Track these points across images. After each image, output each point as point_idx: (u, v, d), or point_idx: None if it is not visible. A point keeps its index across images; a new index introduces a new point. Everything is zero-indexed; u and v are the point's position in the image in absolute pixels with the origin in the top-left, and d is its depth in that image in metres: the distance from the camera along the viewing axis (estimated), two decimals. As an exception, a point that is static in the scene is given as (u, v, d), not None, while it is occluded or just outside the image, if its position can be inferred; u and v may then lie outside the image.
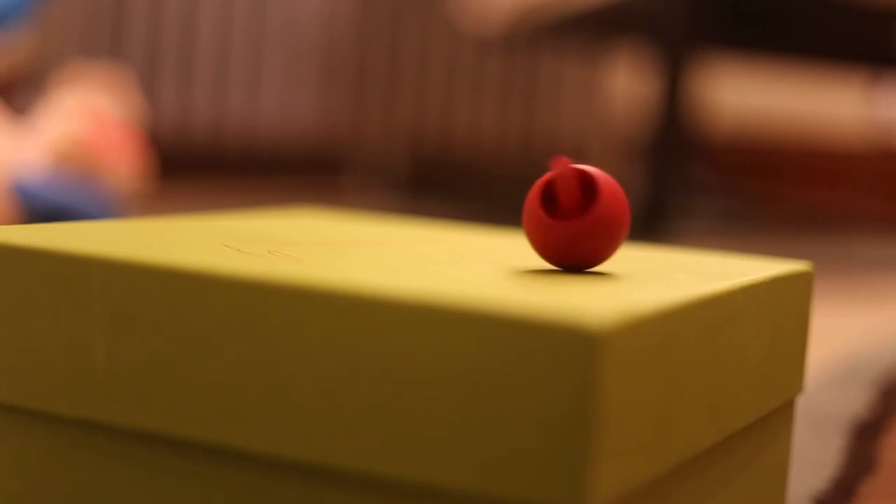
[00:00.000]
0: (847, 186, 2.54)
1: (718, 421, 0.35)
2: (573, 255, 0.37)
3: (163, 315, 0.33)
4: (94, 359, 0.34)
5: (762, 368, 0.39)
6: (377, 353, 0.30)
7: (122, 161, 1.13)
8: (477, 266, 0.37)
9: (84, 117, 1.11)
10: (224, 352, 0.32)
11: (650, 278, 0.36)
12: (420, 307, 0.29)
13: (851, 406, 0.65)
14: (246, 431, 0.32)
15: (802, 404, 0.64)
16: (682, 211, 2.02)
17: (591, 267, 0.38)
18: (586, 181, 0.37)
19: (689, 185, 2.61)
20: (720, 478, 0.37)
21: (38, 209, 1.05)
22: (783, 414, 0.43)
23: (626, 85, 2.58)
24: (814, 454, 0.54)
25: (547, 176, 0.38)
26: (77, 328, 0.34)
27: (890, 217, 2.44)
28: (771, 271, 0.40)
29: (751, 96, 2.60)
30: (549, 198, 0.38)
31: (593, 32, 1.84)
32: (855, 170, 2.52)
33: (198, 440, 0.33)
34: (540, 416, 0.28)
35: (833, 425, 0.60)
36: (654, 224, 1.46)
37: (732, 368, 0.36)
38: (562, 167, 0.37)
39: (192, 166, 2.12)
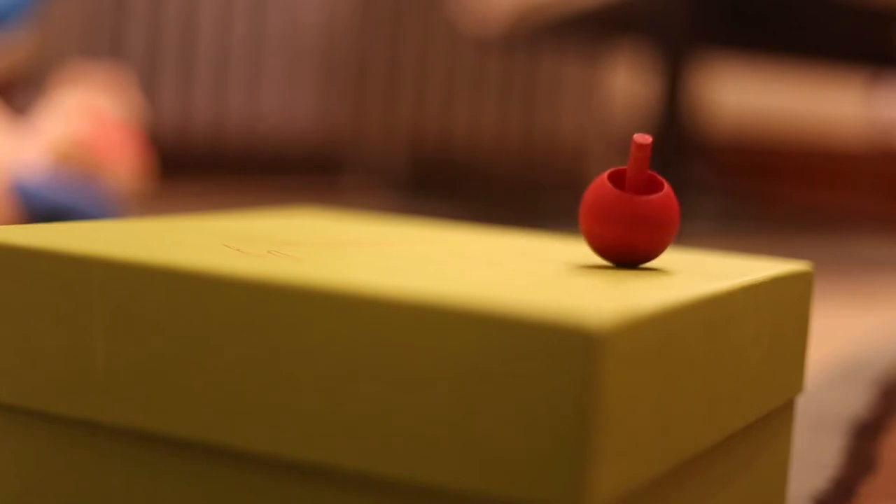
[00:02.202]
0: (847, 186, 2.54)
1: (718, 421, 0.35)
2: (643, 232, 0.38)
3: (163, 315, 0.33)
4: (94, 359, 0.34)
5: (762, 368, 0.39)
6: (377, 353, 0.30)
7: (122, 161, 1.13)
8: (477, 266, 0.37)
9: (84, 117, 1.11)
10: (224, 352, 0.32)
11: (650, 278, 0.36)
12: (420, 307, 0.30)
13: (851, 406, 0.65)
14: (246, 431, 0.32)
15: (802, 404, 0.64)
16: (682, 211, 2.02)
17: (648, 256, 0.39)
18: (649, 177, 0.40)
19: (689, 185, 2.61)
20: (720, 478, 0.37)
21: (38, 209, 1.05)
22: (783, 414, 0.43)
23: (626, 85, 2.58)
24: (814, 454, 0.54)
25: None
26: (77, 328, 0.34)
27: (890, 217, 2.44)
28: (771, 271, 0.40)
29: (751, 96, 2.60)
30: (616, 182, 0.40)
31: (593, 32, 1.84)
32: (855, 170, 2.52)
33: (198, 440, 0.33)
34: (540, 416, 0.28)
35: (833, 425, 0.60)
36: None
37: (732, 368, 0.36)
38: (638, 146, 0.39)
39: (192, 166, 2.12)
